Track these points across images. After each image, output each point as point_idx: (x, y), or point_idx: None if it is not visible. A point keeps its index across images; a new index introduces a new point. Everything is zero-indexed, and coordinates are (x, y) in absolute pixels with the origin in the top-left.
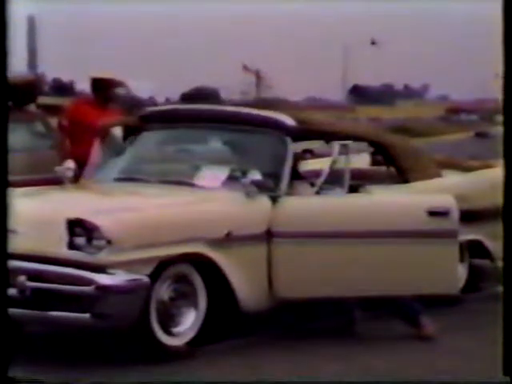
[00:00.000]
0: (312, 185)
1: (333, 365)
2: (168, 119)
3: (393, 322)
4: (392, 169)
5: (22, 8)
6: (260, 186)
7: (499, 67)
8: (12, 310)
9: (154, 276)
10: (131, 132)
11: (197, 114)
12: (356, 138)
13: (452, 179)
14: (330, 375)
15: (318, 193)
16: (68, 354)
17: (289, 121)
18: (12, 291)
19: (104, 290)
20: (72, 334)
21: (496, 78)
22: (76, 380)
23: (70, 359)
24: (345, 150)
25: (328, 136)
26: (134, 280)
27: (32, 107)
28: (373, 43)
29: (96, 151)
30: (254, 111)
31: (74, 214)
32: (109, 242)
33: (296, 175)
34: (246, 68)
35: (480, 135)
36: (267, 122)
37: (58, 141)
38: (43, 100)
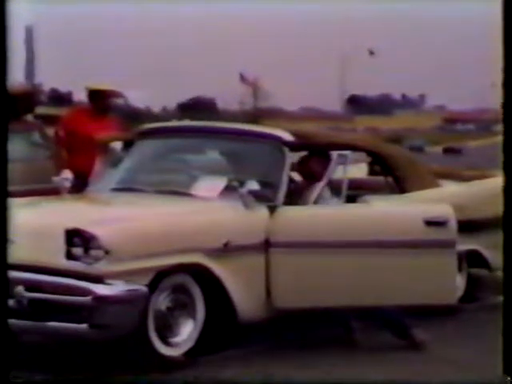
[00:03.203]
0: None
1: (331, 374)
2: (165, 136)
3: (387, 332)
4: (390, 179)
5: (19, 18)
6: (258, 196)
7: (497, 77)
8: (10, 321)
9: (152, 286)
10: (130, 144)
11: (195, 131)
12: (354, 148)
13: (450, 189)
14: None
15: (315, 203)
16: (66, 363)
17: (287, 136)
18: (10, 301)
19: (102, 300)
20: (70, 344)
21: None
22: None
23: (67, 369)
24: (343, 160)
25: (326, 147)
26: (132, 290)
27: (29, 117)
28: (371, 53)
29: (99, 164)
30: (253, 127)
31: (72, 224)
32: (107, 252)
33: (293, 185)
34: (243, 78)
35: (449, 151)
36: (266, 138)
37: (54, 151)
38: (41, 110)
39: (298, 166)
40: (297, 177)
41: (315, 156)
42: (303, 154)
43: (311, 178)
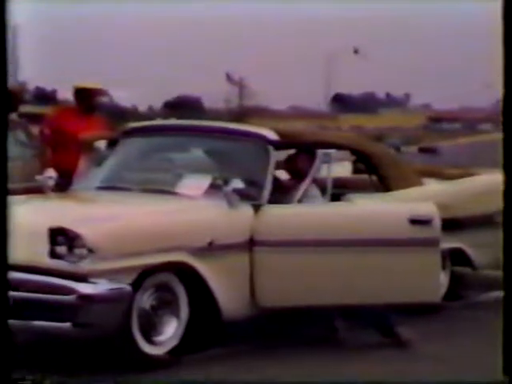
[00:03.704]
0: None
1: (316, 373)
2: (150, 134)
3: (373, 331)
4: (374, 177)
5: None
6: (242, 195)
7: (484, 77)
8: None
9: (136, 285)
10: (114, 143)
11: (180, 130)
12: (338, 146)
13: (433, 187)
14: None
15: (300, 201)
16: (49, 363)
17: (272, 135)
18: None
19: (86, 299)
20: (53, 343)
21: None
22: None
23: (50, 368)
24: (327, 159)
25: (311, 145)
26: (116, 289)
27: (14, 116)
28: (355, 52)
29: (83, 163)
30: (238, 126)
31: (56, 223)
32: (91, 250)
33: (277, 184)
34: (229, 77)
35: (424, 150)
36: (250, 137)
37: (39, 149)
38: (25, 108)
39: (285, 164)
40: (284, 175)
41: (302, 154)
42: (291, 151)
43: (298, 175)
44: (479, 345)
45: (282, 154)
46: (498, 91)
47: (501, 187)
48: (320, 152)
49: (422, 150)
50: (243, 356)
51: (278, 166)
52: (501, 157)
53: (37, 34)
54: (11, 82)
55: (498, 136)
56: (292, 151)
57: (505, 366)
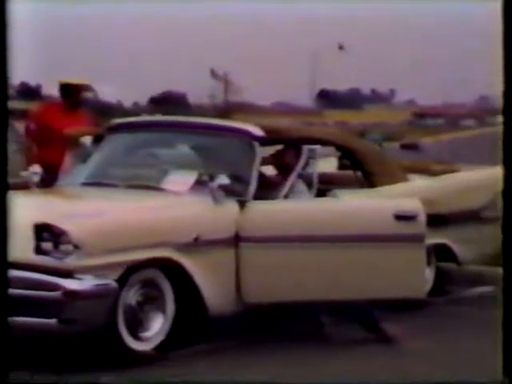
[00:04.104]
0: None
1: (301, 368)
2: (135, 130)
3: (358, 327)
4: (359, 173)
5: None
6: (228, 191)
7: (465, 72)
8: None
9: (122, 281)
10: (100, 139)
11: (165, 126)
12: (323, 142)
13: (418, 183)
14: (298, 379)
15: (285, 197)
16: (34, 359)
17: (257, 131)
18: None
19: (71, 295)
20: (38, 340)
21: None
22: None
23: (37, 365)
24: (312, 155)
25: (296, 141)
26: (102, 285)
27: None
28: (340, 48)
29: (69, 158)
30: (223, 122)
31: (41, 219)
32: (76, 246)
33: (263, 180)
34: (213, 73)
35: (406, 147)
36: (235, 133)
37: (24, 145)
38: (9, 104)
39: (272, 160)
40: (272, 170)
41: (290, 149)
42: (278, 147)
43: (286, 171)
44: (464, 340)
45: (269, 150)
46: (479, 88)
47: (484, 183)
48: (305, 148)
49: (404, 147)
50: (229, 351)
51: (266, 161)
52: (486, 152)
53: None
54: None
55: (481, 132)
56: (279, 147)
57: (505, 366)
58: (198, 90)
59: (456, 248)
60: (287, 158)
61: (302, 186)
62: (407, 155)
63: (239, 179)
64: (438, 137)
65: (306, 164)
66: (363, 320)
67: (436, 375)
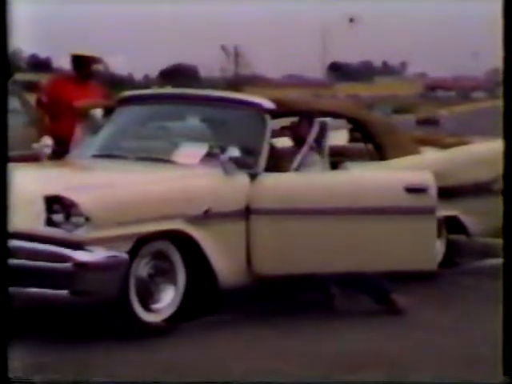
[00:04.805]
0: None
1: (312, 340)
2: (146, 103)
3: (368, 298)
4: (370, 146)
5: None
6: (238, 163)
7: (477, 46)
8: None
9: (133, 253)
10: (110, 111)
11: (176, 98)
12: (334, 115)
13: (430, 156)
14: (309, 351)
15: (296, 170)
16: (46, 331)
17: (268, 104)
18: None
19: (82, 266)
20: (49, 311)
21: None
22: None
23: (47, 336)
24: (324, 127)
25: (307, 114)
26: (113, 257)
27: (8, 83)
28: (351, 20)
29: (79, 131)
30: (234, 95)
31: (52, 191)
32: (87, 218)
33: (274, 152)
34: (224, 49)
35: (424, 122)
36: (246, 105)
37: (36, 117)
38: (19, 76)
39: (288, 131)
40: (288, 142)
41: (305, 121)
42: (293, 119)
43: (301, 143)
44: (475, 312)
45: (284, 122)
46: (490, 60)
47: (496, 155)
48: (317, 120)
49: (422, 122)
50: (239, 323)
51: (282, 133)
52: (497, 125)
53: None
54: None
55: (492, 104)
56: (295, 119)
57: (505, 366)
58: (209, 63)
59: (466, 220)
60: (302, 130)
61: (315, 158)
62: (425, 130)
63: (250, 151)
64: (449, 109)
65: (322, 136)
66: (374, 291)
67: (446, 346)
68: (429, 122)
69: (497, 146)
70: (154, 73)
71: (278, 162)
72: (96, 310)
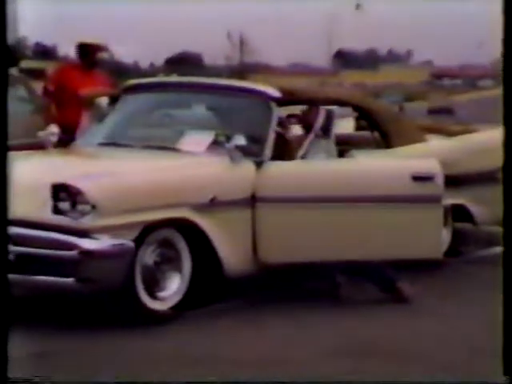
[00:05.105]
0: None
1: (317, 329)
2: (151, 91)
3: (374, 287)
4: (376, 134)
5: None
6: (244, 151)
7: (483, 34)
8: None
9: (139, 241)
10: (116, 99)
11: (181, 87)
12: (340, 103)
13: (436, 144)
14: (314, 339)
15: (303, 158)
16: (53, 319)
17: (273, 92)
18: None
19: (88, 254)
20: (56, 300)
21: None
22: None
23: (55, 324)
24: (331, 115)
25: (313, 102)
26: (119, 245)
27: (14, 71)
28: (357, 7)
29: (85, 119)
30: (240, 83)
31: (59, 179)
32: (93, 206)
33: (280, 140)
34: (229, 36)
35: (436, 111)
36: (252, 94)
37: (43, 105)
38: (25, 64)
39: (294, 119)
40: (298, 130)
41: (311, 109)
42: (303, 107)
43: (307, 131)
44: (480, 300)
45: (292, 110)
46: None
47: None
48: (323, 108)
49: (435, 111)
50: (245, 311)
51: (288, 121)
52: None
53: None
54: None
55: (499, 92)
56: (304, 107)
57: (505, 366)
58: (214, 50)
59: (473, 208)
60: (309, 118)
61: (321, 146)
62: (438, 119)
63: (256, 140)
64: (457, 97)
65: (328, 124)
66: (379, 280)
67: (450, 336)
68: (442, 111)
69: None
70: (159, 61)
71: (284, 150)
72: (100, 297)
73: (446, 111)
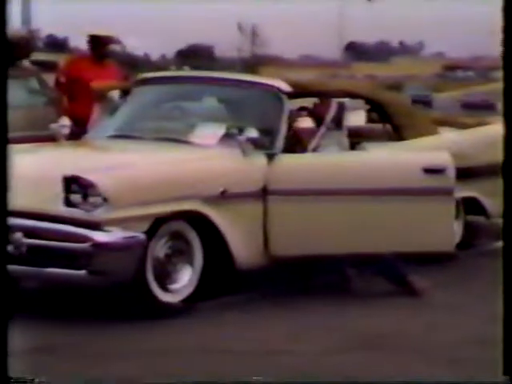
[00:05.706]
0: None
1: (328, 322)
2: (163, 83)
3: (385, 280)
4: (388, 126)
5: None
6: (256, 144)
7: (495, 25)
8: (9, 267)
9: (150, 233)
10: (128, 92)
11: (193, 81)
12: (352, 95)
13: (448, 136)
14: (324, 332)
15: (314, 150)
16: (64, 311)
17: (285, 86)
18: (8, 247)
19: (100, 247)
20: (68, 291)
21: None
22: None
23: (66, 317)
24: (342, 108)
25: (324, 95)
26: (130, 237)
27: (26, 63)
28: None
29: (97, 111)
30: (251, 77)
31: (70, 171)
32: (105, 199)
33: (292, 133)
34: (240, 28)
35: (471, 106)
36: (263, 87)
37: (55, 98)
38: (37, 56)
39: (306, 112)
40: (310, 123)
41: (323, 102)
42: (315, 100)
43: (319, 123)
44: (492, 293)
45: (305, 103)
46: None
47: None
48: (334, 101)
49: (470, 105)
50: (256, 304)
51: (299, 114)
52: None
53: None
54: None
55: None
56: (316, 100)
57: (505, 366)
58: (226, 43)
59: (485, 201)
60: (320, 110)
61: (333, 138)
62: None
63: (267, 132)
64: (470, 89)
65: (340, 117)
66: (391, 273)
67: (463, 327)
68: (480, 105)
69: None
70: (170, 53)
71: (295, 142)
72: (111, 290)
73: (485, 106)
